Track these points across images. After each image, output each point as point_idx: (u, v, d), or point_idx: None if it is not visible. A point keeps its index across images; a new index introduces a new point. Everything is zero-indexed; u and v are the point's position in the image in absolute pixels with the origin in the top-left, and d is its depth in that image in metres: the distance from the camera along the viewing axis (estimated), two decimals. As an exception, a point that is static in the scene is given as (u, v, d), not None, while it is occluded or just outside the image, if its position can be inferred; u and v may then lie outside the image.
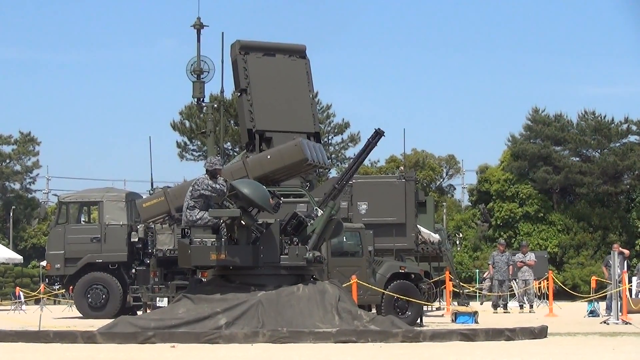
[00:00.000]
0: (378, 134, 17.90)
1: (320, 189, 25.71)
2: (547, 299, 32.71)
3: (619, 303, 23.58)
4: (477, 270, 49.31)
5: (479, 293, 38.75)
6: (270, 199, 16.58)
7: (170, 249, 27.02)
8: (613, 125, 57.77)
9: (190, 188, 16.97)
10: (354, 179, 28.01)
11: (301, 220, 17.06)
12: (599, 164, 55.96)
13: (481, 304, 32.15)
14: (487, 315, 27.64)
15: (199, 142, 60.34)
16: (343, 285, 18.68)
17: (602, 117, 58.23)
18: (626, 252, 30.60)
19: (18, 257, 50.64)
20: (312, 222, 17.19)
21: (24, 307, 38.09)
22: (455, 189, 73.68)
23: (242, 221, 16.44)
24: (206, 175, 16.94)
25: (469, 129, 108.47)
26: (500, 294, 32.10)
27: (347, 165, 18.41)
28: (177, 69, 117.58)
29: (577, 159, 58.06)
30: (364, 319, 16.45)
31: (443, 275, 31.23)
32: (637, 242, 54.63)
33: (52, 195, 70.88)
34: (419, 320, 23.17)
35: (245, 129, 25.63)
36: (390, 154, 65.72)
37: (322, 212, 17.27)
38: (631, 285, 31.74)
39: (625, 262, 29.18)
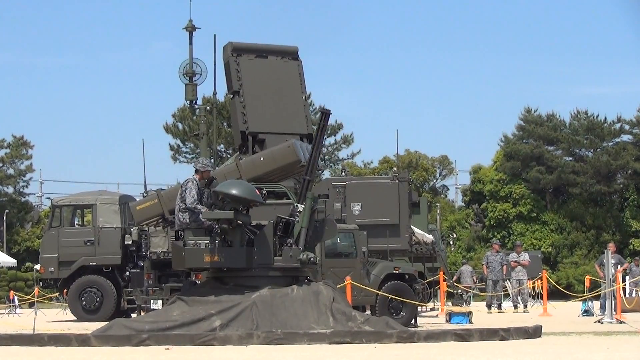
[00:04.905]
0: (324, 114, 17.36)
1: (313, 189, 25.68)
2: (541, 298, 32.75)
3: (613, 302, 23.59)
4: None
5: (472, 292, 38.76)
6: (257, 190, 16.62)
7: (164, 252, 26.99)
8: (606, 124, 57.82)
9: (180, 190, 16.90)
10: (348, 180, 28.12)
11: (287, 221, 17.01)
12: (592, 163, 56.01)
13: (468, 304, 32.19)
14: (482, 316, 27.66)
15: (192, 145, 60.38)
16: (337, 286, 18.65)
17: (595, 117, 58.31)
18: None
19: (12, 261, 50.55)
20: (297, 219, 17.09)
21: (18, 310, 38.07)
22: (448, 189, 73.88)
23: (238, 221, 16.42)
24: (195, 175, 16.87)
25: (462, 130, 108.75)
26: (494, 293, 32.15)
27: (309, 155, 18.01)
28: (170, 71, 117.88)
29: (570, 158, 58.12)
30: (358, 320, 16.42)
31: (437, 276, 31.26)
32: (630, 241, 54.70)
33: (46, 199, 70.97)
34: (413, 321, 23.16)
35: (238, 130, 25.56)
36: (383, 154, 65.99)
37: (302, 206, 17.08)
38: (625, 284, 31.78)
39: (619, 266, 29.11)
